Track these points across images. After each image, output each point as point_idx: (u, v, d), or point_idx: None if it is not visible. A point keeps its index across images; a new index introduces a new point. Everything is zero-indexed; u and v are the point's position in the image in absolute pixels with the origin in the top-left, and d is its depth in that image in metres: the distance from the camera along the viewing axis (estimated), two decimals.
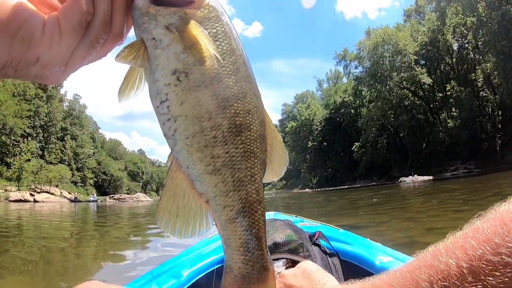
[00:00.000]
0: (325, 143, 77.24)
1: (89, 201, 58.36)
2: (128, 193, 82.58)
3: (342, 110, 73.57)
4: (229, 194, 0.62)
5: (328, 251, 1.66)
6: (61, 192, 63.04)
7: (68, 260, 6.28)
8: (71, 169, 77.10)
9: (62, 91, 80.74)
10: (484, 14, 43.36)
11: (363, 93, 63.49)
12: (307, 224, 2.41)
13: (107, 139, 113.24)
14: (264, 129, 0.66)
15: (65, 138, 79.46)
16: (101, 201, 59.10)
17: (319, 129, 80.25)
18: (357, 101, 67.60)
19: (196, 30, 0.58)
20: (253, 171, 0.63)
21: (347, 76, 69.38)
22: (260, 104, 0.65)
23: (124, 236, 9.39)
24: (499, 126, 45.76)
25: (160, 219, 0.61)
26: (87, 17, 0.56)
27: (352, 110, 69.75)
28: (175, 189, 0.62)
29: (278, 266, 1.44)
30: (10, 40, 0.52)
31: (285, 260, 1.47)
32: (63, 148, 77.94)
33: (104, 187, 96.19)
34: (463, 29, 47.97)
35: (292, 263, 1.44)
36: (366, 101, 62.10)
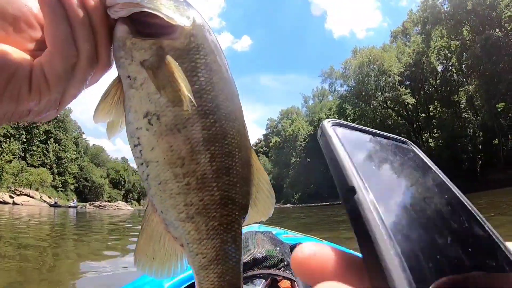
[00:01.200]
0: (308, 159, 77.43)
1: (69, 206, 57.42)
2: (109, 201, 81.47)
3: None
4: (202, 242, 0.59)
5: None
6: (41, 196, 61.94)
7: (43, 273, 6.11)
8: (52, 173, 76.08)
9: None
10: (468, 38, 44.67)
11: (347, 111, 64.23)
12: (291, 236, 2.42)
13: (90, 145, 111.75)
14: (248, 170, 0.61)
15: (48, 141, 78.32)
16: (81, 207, 58.19)
17: (303, 145, 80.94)
18: (342, 119, 67.85)
19: (170, 67, 0.53)
20: (230, 218, 0.59)
21: (332, 93, 70.50)
22: (244, 143, 0.60)
23: (103, 247, 9.26)
24: (480, 147, 46.84)
25: (138, 262, 0.59)
26: (72, 61, 0.54)
27: None
28: (151, 232, 0.60)
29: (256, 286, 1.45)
30: None
31: (264, 280, 1.48)
32: (45, 151, 76.75)
33: (85, 193, 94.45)
34: (447, 52, 49.48)
35: (271, 281, 1.47)
36: (350, 120, 62.66)
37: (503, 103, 39.18)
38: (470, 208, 0.39)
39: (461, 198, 0.41)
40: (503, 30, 40.38)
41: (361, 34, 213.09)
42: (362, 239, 0.27)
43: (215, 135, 0.56)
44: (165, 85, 0.53)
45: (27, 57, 0.55)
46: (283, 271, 1.51)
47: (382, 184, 0.32)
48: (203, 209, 0.57)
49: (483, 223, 0.36)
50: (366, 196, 0.28)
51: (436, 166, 0.45)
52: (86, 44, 0.55)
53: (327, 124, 0.34)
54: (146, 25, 0.55)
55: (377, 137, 0.38)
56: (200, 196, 0.57)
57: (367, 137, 0.37)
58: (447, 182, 0.43)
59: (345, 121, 0.35)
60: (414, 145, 0.49)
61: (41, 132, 75.62)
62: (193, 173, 0.56)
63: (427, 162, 0.45)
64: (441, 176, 0.44)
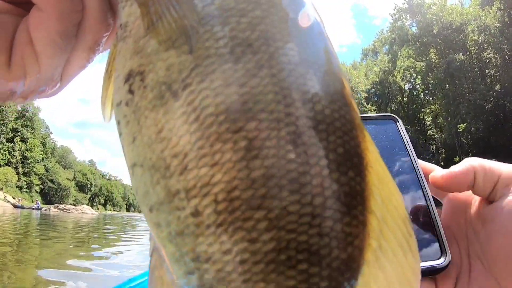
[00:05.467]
0: None
1: (33, 208, 55.91)
2: (74, 204, 79.79)
3: None
4: None
5: None
6: (5, 196, 60.05)
7: (3, 282, 5.75)
8: (17, 173, 73.85)
9: None
10: (434, 59, 47.33)
11: None
12: None
13: (58, 146, 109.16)
14: (359, 179, 0.28)
15: (15, 140, 76.00)
16: (45, 209, 56.66)
17: None
18: None
19: None
20: None
21: None
22: (346, 113, 0.29)
23: (67, 254, 8.97)
24: (442, 163, 49.27)
25: None
26: (76, 19, 0.36)
27: None
28: None
29: None
30: None
31: None
32: (11, 150, 74.40)
33: (50, 195, 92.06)
34: (412, 72, 52.01)
35: None
36: None
37: (465, 124, 41.62)
38: (423, 190, 0.46)
39: (419, 179, 0.48)
40: (467, 53, 43.11)
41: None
42: None
43: (259, 96, 0.27)
44: (159, 18, 0.30)
45: (8, 16, 0.37)
46: None
47: None
48: (232, 271, 0.26)
49: (430, 206, 0.44)
50: None
51: (410, 144, 0.50)
52: None
53: None
54: None
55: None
56: (225, 242, 0.26)
57: None
58: (413, 161, 0.49)
59: None
60: (400, 122, 0.52)
61: (8, 129, 73.37)
62: (206, 187, 0.26)
63: (404, 139, 0.51)
64: (410, 154, 0.49)
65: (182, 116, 0.27)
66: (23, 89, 0.39)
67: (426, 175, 0.49)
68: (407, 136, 0.52)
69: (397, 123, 0.53)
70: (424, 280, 0.42)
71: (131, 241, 13.65)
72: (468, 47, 43.14)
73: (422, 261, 0.40)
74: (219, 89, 0.26)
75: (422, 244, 0.43)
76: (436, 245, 0.43)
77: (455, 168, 0.45)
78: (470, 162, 0.45)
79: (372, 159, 0.28)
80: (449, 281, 0.44)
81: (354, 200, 0.27)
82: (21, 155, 77.28)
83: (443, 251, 0.43)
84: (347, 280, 0.27)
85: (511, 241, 0.38)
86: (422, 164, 0.51)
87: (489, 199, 0.43)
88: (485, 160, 0.45)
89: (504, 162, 0.43)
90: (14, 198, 63.76)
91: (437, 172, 0.47)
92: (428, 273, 0.43)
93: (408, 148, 0.51)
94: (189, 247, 0.27)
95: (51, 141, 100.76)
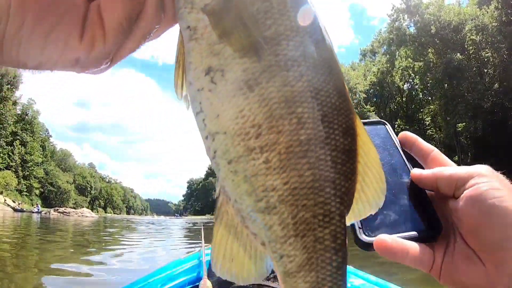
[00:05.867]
0: None
1: (33, 212, 55.83)
2: (74, 207, 79.68)
3: None
4: (288, 240, 0.44)
5: None
6: (5, 200, 59.90)
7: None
8: (17, 177, 73.72)
9: (17, 93, 76.85)
10: (432, 59, 47.34)
11: None
12: None
13: (57, 149, 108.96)
14: (352, 141, 0.46)
15: (14, 143, 76.09)
16: (45, 213, 56.63)
17: None
18: None
19: (236, 3, 0.43)
20: (328, 207, 0.44)
21: None
22: (344, 104, 0.46)
23: (67, 258, 9.00)
24: None
25: (215, 264, 0.47)
26: (138, 8, 0.45)
27: None
28: (226, 228, 0.47)
29: None
30: (42, 41, 0.43)
31: None
32: (11, 154, 74.36)
33: (50, 198, 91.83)
34: (410, 72, 52.27)
35: None
36: None
37: (464, 123, 41.65)
38: (411, 188, 0.60)
39: (408, 167, 0.62)
40: (465, 53, 43.18)
41: None
42: None
43: (303, 92, 0.43)
44: (230, 31, 0.43)
45: None
46: (272, 282, 1.53)
47: None
48: (289, 195, 0.43)
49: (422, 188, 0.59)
50: None
51: (400, 147, 0.65)
52: None
53: None
54: None
55: None
56: (284, 177, 0.43)
57: None
58: (405, 162, 0.64)
59: None
60: (388, 125, 0.68)
61: (7, 133, 73.28)
62: (273, 146, 0.42)
63: (394, 141, 0.65)
64: (401, 155, 0.64)
65: (257, 103, 0.42)
66: (86, 60, 0.45)
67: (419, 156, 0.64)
68: (394, 135, 0.67)
69: (386, 126, 0.69)
70: (423, 245, 0.55)
71: (131, 244, 13.64)
72: (466, 46, 43.11)
73: (422, 230, 0.57)
74: (279, 87, 0.42)
75: (422, 218, 0.58)
76: (432, 218, 0.57)
77: (423, 172, 0.60)
78: (433, 171, 0.59)
79: (359, 130, 0.47)
80: (442, 246, 0.55)
81: (351, 153, 0.46)
82: (20, 159, 77.20)
83: (437, 222, 0.57)
84: (348, 200, 0.46)
85: (472, 225, 0.51)
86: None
87: (454, 196, 0.56)
88: (447, 168, 0.58)
89: (502, 160, 0.68)
90: (14, 202, 63.58)
91: (414, 170, 0.62)
92: (427, 239, 0.55)
93: (397, 145, 0.66)
94: (260, 183, 0.43)
95: (51, 144, 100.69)
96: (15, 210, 54.64)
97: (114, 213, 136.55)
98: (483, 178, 0.52)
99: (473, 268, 0.51)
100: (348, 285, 1.49)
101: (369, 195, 0.47)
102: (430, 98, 52.22)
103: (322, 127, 0.43)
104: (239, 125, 0.43)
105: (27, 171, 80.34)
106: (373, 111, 55.25)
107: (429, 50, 47.44)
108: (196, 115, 0.46)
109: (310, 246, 0.44)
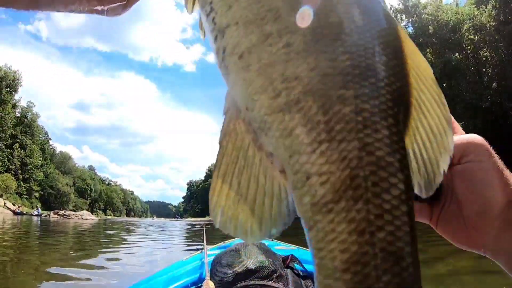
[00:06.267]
0: None
1: (32, 215, 55.81)
2: (74, 210, 79.68)
3: None
4: (319, 148, 0.31)
5: (301, 274, 1.64)
6: (4, 203, 59.89)
7: None
8: (17, 179, 73.69)
9: (16, 96, 76.72)
10: (431, 59, 47.49)
11: None
12: (283, 248, 2.37)
13: (57, 152, 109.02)
14: (397, 40, 0.36)
15: (14, 146, 75.84)
16: (45, 215, 56.58)
17: None
18: None
19: None
20: (377, 102, 0.32)
21: None
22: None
23: (67, 263, 8.76)
24: None
25: (215, 208, 0.34)
26: None
27: None
28: (233, 153, 0.35)
29: None
30: None
31: None
32: (10, 157, 74.30)
33: (50, 201, 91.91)
34: None
35: None
36: None
37: (462, 123, 41.57)
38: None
39: None
40: (463, 53, 43.27)
41: None
42: None
43: None
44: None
45: None
46: (275, 282, 1.53)
47: None
48: (318, 82, 0.32)
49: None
50: None
51: None
52: None
53: None
54: None
55: None
56: (311, 62, 0.33)
57: None
58: None
59: None
60: None
61: (7, 136, 73.13)
62: (295, 27, 0.33)
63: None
64: None
65: None
66: None
67: None
68: None
69: None
70: (420, 204, 0.58)
71: (131, 246, 13.66)
72: (464, 46, 43.21)
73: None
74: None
75: None
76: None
77: None
78: None
79: (404, 37, 0.37)
80: (438, 206, 0.58)
81: (397, 49, 0.36)
82: (20, 162, 77.11)
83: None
84: (403, 111, 0.34)
85: (460, 195, 0.54)
86: None
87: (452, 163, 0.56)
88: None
89: (502, 160, 0.55)
90: (14, 205, 63.48)
91: None
92: (425, 200, 0.56)
93: None
94: (279, 73, 0.33)
95: (50, 147, 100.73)
96: (15, 213, 54.56)
97: (114, 215, 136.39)
98: (474, 156, 0.55)
99: (459, 228, 0.55)
100: None
101: (427, 114, 0.35)
102: None
103: (358, 12, 0.35)
104: (254, 10, 0.35)
105: (27, 174, 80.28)
106: None
107: (427, 50, 47.51)
108: (207, 19, 0.39)
109: (354, 156, 0.30)
